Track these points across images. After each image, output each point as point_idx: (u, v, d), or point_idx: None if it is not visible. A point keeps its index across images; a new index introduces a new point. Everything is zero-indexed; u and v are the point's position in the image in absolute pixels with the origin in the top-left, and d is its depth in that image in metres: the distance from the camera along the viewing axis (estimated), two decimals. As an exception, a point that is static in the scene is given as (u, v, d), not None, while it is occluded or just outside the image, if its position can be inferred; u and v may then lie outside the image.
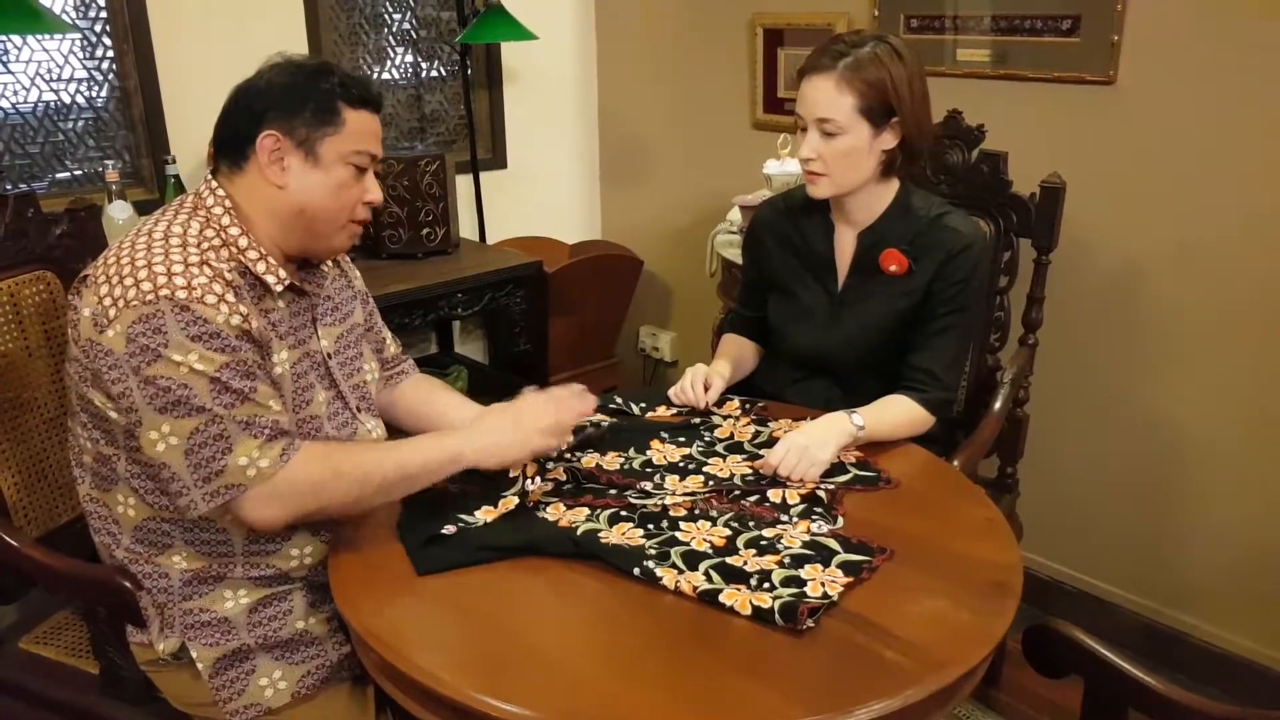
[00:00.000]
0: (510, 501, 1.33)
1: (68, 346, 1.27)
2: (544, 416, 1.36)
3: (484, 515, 1.31)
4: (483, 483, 1.37)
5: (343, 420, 1.41)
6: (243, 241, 1.28)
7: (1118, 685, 1.04)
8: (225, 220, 1.28)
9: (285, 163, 1.28)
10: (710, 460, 1.48)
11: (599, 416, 1.57)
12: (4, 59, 2.28)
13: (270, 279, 1.30)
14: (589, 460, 1.46)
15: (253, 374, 1.22)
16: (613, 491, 1.38)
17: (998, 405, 1.82)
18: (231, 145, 1.30)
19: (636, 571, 1.18)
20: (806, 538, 1.26)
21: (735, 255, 2.32)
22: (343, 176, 1.31)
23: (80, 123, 2.41)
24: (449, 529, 1.27)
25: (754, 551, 1.22)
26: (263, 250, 1.30)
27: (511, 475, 1.37)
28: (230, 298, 1.21)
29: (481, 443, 1.32)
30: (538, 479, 1.37)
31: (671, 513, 1.32)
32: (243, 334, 1.22)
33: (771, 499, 1.37)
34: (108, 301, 1.18)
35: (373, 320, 1.57)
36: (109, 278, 1.20)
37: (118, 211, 2.20)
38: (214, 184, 1.31)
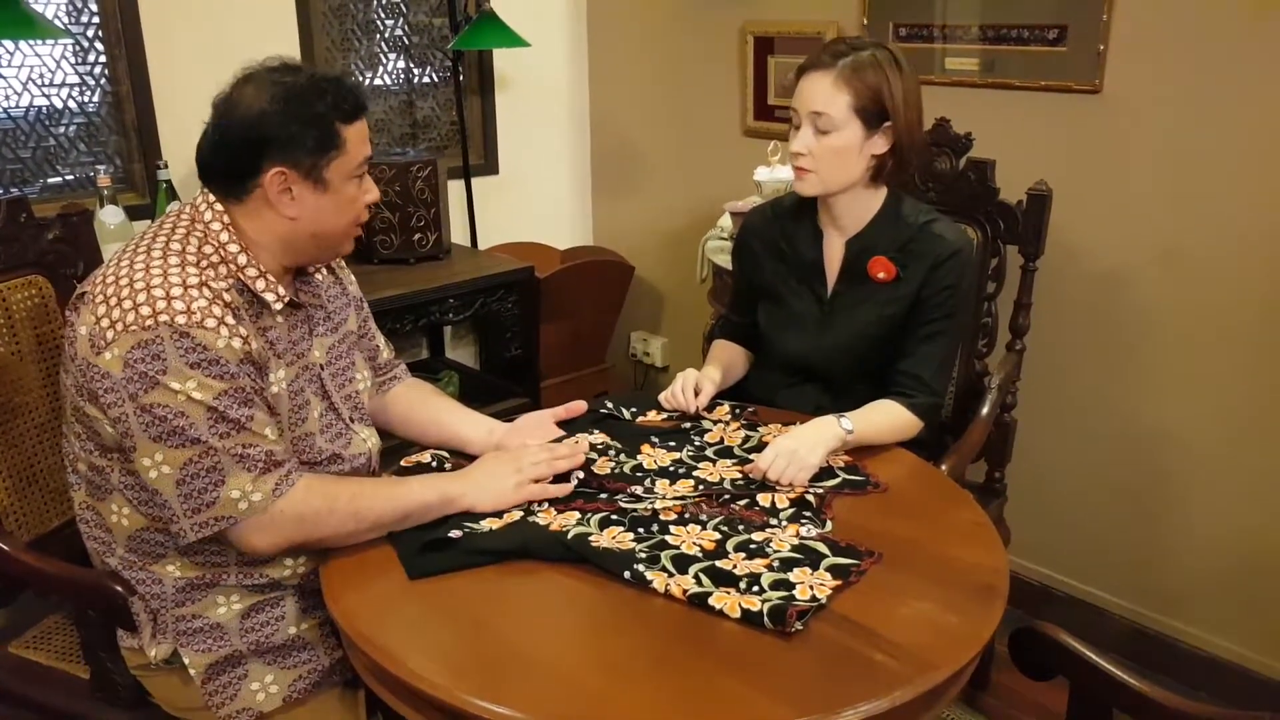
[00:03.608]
0: (514, 515, 1.34)
1: (63, 357, 1.27)
2: (537, 466, 1.38)
3: (489, 524, 1.31)
4: None
5: (336, 432, 1.41)
6: (242, 259, 1.27)
7: (1103, 687, 1.05)
8: (224, 237, 1.27)
9: (294, 194, 1.27)
10: (700, 465, 1.49)
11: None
12: (-4, 64, 2.29)
13: (270, 297, 1.29)
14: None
15: (251, 401, 1.21)
16: (603, 496, 1.39)
17: (985, 410, 1.83)
18: (230, 178, 1.27)
19: (627, 575, 1.19)
20: (795, 541, 1.27)
21: (726, 261, 2.33)
22: (350, 192, 1.31)
23: (72, 128, 2.41)
24: (455, 533, 1.27)
25: (743, 555, 1.23)
26: (262, 268, 1.29)
27: None
28: (230, 320, 1.21)
29: (479, 494, 1.34)
30: (545, 503, 1.37)
31: (662, 517, 1.32)
32: (243, 359, 1.21)
33: (761, 503, 1.38)
34: (105, 323, 1.17)
35: (366, 326, 1.57)
36: (106, 298, 1.19)
37: (109, 217, 2.20)
38: (211, 199, 1.29)
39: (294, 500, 1.23)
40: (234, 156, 1.26)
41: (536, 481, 1.37)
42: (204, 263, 1.24)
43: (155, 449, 1.17)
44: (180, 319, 1.16)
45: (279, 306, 1.31)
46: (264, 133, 1.24)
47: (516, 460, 1.38)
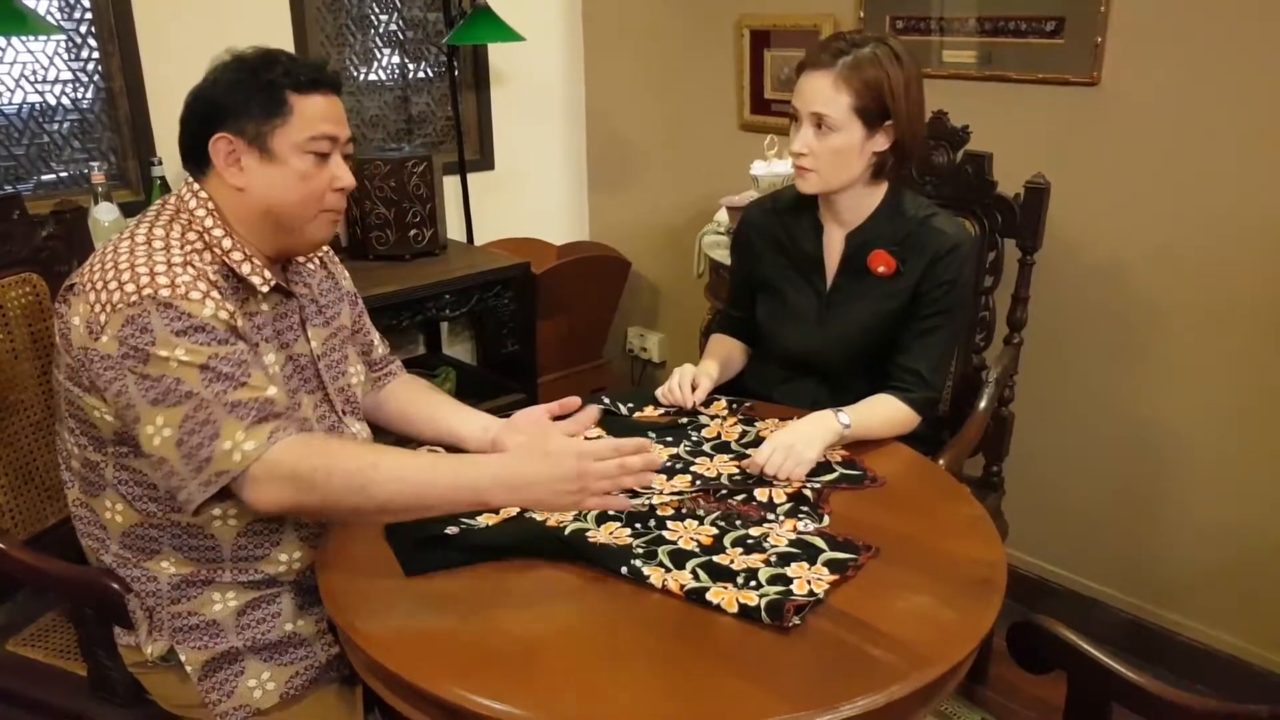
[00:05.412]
0: (510, 511, 1.33)
1: (55, 353, 1.27)
2: (603, 482, 1.15)
3: (485, 520, 1.31)
4: None
5: (329, 424, 1.41)
6: (227, 243, 1.27)
7: (1100, 680, 1.05)
8: (209, 222, 1.27)
9: (242, 163, 1.26)
10: (697, 460, 1.49)
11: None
12: (-11, 60, 2.28)
13: (256, 280, 1.29)
14: None
15: (244, 362, 1.20)
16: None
17: (983, 404, 1.83)
18: (191, 153, 1.29)
19: (624, 570, 1.19)
20: (793, 536, 1.27)
21: (722, 256, 2.33)
22: (302, 167, 1.27)
23: (66, 124, 2.40)
24: (452, 529, 1.27)
25: (741, 550, 1.23)
26: (247, 251, 1.29)
27: None
28: (215, 295, 1.21)
29: (520, 494, 1.18)
30: None
31: (659, 512, 1.32)
32: (230, 328, 1.21)
33: (758, 498, 1.38)
34: (97, 308, 1.18)
35: (361, 322, 1.57)
36: (94, 285, 1.19)
37: (103, 213, 2.19)
38: (195, 187, 1.30)
39: (289, 450, 1.16)
40: (190, 129, 1.28)
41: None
42: (188, 248, 1.24)
43: (156, 413, 1.16)
44: (164, 292, 1.17)
45: (265, 290, 1.30)
46: (213, 100, 1.26)
47: (582, 472, 1.14)
